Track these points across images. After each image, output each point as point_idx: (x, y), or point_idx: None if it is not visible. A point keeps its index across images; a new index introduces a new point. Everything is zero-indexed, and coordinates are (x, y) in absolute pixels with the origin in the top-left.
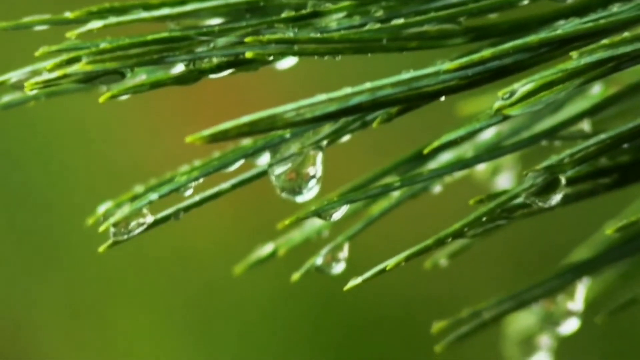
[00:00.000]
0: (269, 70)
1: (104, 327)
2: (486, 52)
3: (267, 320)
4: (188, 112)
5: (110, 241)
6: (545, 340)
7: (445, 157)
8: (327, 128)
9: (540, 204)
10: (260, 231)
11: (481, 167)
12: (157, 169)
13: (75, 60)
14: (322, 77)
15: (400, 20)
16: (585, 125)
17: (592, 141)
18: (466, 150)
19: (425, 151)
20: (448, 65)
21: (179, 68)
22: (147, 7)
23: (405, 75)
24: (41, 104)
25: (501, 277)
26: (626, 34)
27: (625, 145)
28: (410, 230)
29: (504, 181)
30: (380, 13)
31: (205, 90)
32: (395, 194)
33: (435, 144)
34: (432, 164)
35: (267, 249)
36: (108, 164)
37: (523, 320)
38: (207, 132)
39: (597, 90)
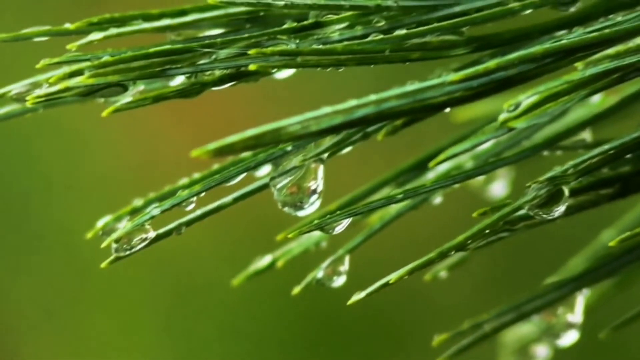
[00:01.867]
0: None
1: (80, 328)
2: (491, 63)
3: (249, 322)
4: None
5: (112, 257)
6: (541, 350)
7: (444, 166)
8: (329, 140)
9: (544, 216)
10: (248, 236)
11: None
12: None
13: (78, 73)
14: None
15: (403, 31)
16: (587, 135)
17: (595, 152)
18: (465, 160)
19: (431, 165)
20: (453, 76)
21: (179, 80)
22: (148, 18)
23: (410, 87)
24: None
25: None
26: (631, 44)
27: (628, 156)
28: (408, 238)
29: (498, 189)
30: (382, 23)
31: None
32: (396, 206)
33: (441, 157)
34: (431, 174)
35: (265, 260)
36: (89, 168)
37: (520, 329)
38: (212, 145)
39: (596, 99)
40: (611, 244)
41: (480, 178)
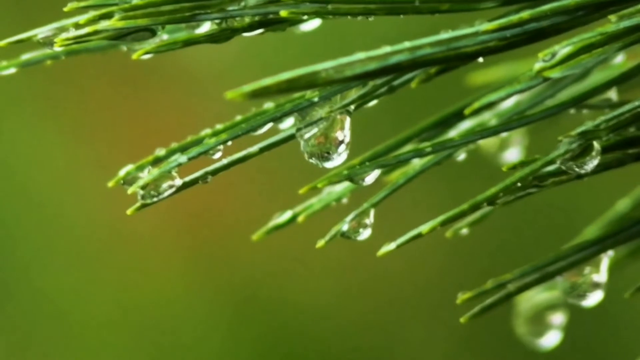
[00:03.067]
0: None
1: None
2: (524, 14)
3: None
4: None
5: (138, 203)
6: (557, 318)
7: (467, 124)
8: (355, 92)
9: (577, 169)
10: (215, 287)
11: (488, 141)
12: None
13: (107, 16)
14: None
15: None
16: (613, 94)
17: (626, 108)
18: (488, 118)
19: (467, 112)
20: (487, 26)
21: (205, 28)
22: None
23: (444, 35)
24: None
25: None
26: None
27: None
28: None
29: (512, 155)
30: None
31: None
32: (418, 161)
33: (476, 105)
34: (453, 132)
35: (285, 215)
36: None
37: (535, 297)
38: (247, 87)
39: (619, 60)
40: None
41: (491, 142)
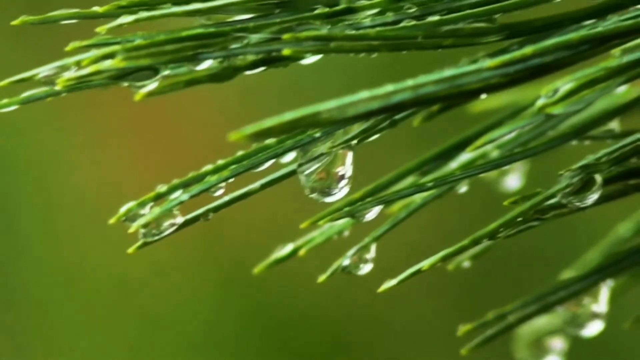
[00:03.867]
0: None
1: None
2: (527, 50)
3: (209, 343)
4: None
5: (140, 242)
6: (557, 343)
7: (468, 156)
8: (357, 127)
9: (577, 203)
10: (202, 258)
11: None
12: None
13: (110, 55)
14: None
15: (435, 17)
16: (615, 125)
17: (628, 140)
18: (490, 150)
19: (470, 149)
20: (490, 62)
21: (205, 65)
22: (177, 2)
23: (447, 73)
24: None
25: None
26: None
27: None
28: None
29: (512, 181)
30: (413, 10)
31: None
32: (421, 194)
33: (480, 142)
34: (454, 164)
35: (286, 248)
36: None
37: (535, 322)
38: (249, 129)
39: (621, 90)
40: None
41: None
